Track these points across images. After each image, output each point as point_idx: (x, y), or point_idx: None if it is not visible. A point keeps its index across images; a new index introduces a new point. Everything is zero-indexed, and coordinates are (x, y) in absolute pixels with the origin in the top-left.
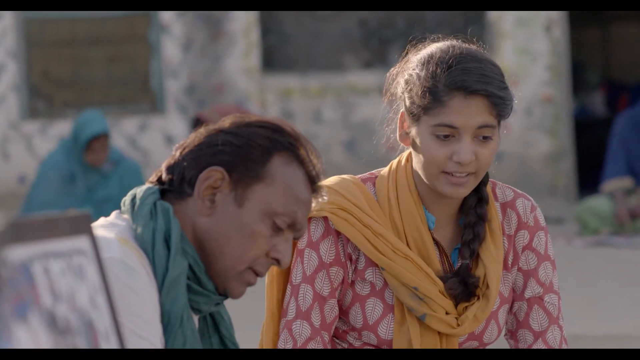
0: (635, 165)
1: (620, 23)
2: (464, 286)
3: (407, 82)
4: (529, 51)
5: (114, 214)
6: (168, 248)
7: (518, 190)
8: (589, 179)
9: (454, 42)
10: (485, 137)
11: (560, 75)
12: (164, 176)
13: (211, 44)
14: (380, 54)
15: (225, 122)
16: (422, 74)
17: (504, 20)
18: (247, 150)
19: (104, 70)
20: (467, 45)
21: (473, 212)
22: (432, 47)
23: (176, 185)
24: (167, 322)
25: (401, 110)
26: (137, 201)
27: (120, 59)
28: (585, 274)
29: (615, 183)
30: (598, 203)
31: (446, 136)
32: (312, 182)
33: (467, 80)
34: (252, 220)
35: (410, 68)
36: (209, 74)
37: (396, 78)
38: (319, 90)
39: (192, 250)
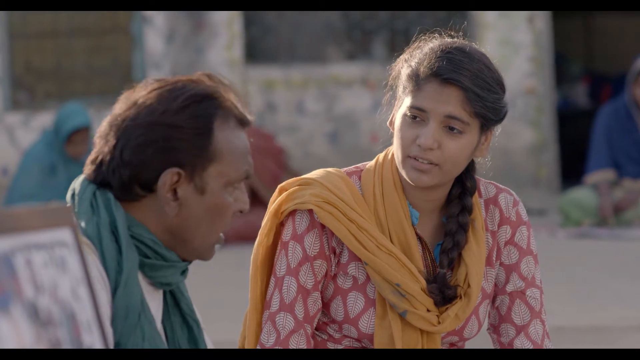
0: (619, 157)
1: (602, 14)
2: (442, 294)
3: (405, 68)
4: (512, 42)
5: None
6: (116, 240)
7: (500, 186)
8: (571, 170)
9: (462, 41)
10: (452, 129)
11: (543, 67)
12: (96, 173)
13: (194, 36)
14: (363, 46)
15: (151, 107)
16: (415, 60)
17: (486, 11)
18: (190, 141)
19: (87, 62)
20: (474, 46)
21: (455, 221)
22: (438, 40)
23: (124, 189)
24: (124, 318)
25: (397, 97)
26: (77, 197)
27: (102, 51)
28: (568, 266)
29: (598, 175)
30: (581, 195)
31: (414, 118)
32: (243, 122)
33: (445, 68)
34: (216, 199)
35: (410, 56)
36: (191, 66)
37: (398, 67)
38: (302, 81)
39: (146, 232)
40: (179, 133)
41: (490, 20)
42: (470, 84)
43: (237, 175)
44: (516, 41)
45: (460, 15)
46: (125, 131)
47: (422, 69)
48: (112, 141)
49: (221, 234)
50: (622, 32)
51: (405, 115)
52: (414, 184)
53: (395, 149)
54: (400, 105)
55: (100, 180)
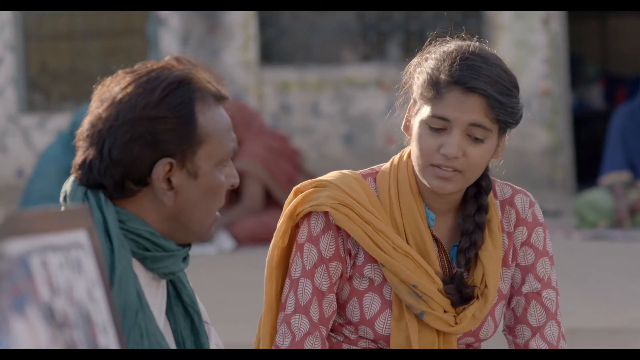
0: (634, 159)
1: (618, 16)
2: (459, 293)
3: (419, 72)
4: (527, 44)
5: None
6: (110, 239)
7: (516, 187)
8: (586, 172)
9: (475, 43)
10: (476, 139)
11: (558, 68)
12: (82, 177)
13: (209, 37)
14: (378, 47)
15: (136, 104)
16: (432, 65)
17: (501, 13)
18: (176, 130)
19: (102, 64)
20: (487, 48)
21: (471, 220)
22: (451, 44)
23: (116, 189)
24: (122, 317)
25: (411, 101)
26: (68, 198)
27: (117, 52)
28: (583, 267)
29: (613, 177)
30: (596, 196)
31: (438, 129)
32: (219, 97)
33: (467, 76)
34: (210, 180)
35: (424, 60)
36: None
37: (410, 70)
38: (317, 83)
39: (141, 225)
40: (163, 124)
41: (505, 22)
42: (492, 90)
43: (225, 152)
44: (531, 43)
45: (476, 17)
46: (109, 131)
47: (442, 77)
48: (97, 142)
49: (217, 213)
50: (637, 33)
51: (425, 123)
52: (437, 191)
53: (414, 157)
54: (418, 112)
55: (93, 182)
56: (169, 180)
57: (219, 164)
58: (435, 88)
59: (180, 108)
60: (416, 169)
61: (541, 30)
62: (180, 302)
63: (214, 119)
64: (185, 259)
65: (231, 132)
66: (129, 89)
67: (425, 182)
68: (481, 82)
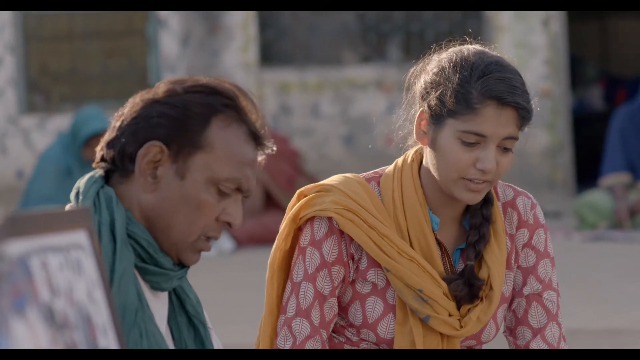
0: (634, 160)
1: (618, 17)
2: (469, 288)
3: (434, 82)
4: (527, 45)
5: (67, 207)
6: (115, 240)
7: (518, 188)
8: (587, 173)
9: (481, 47)
10: (506, 149)
11: (558, 69)
12: (105, 153)
13: (209, 38)
14: (378, 48)
15: (160, 90)
16: (455, 77)
17: (501, 14)
18: (183, 121)
19: (102, 65)
20: (499, 54)
21: (479, 214)
22: (464, 51)
23: (118, 163)
24: (122, 317)
25: (421, 109)
26: (80, 195)
27: (118, 54)
28: (583, 269)
29: (613, 178)
30: (596, 197)
31: (472, 143)
32: (256, 138)
33: (502, 91)
34: (196, 190)
35: (437, 68)
36: (206, 69)
37: (419, 75)
38: (317, 84)
39: (143, 232)
40: (174, 111)
41: (505, 23)
42: (523, 101)
43: (223, 175)
44: (532, 44)
45: (476, 17)
46: (131, 107)
47: (473, 91)
48: (119, 118)
49: (208, 240)
50: (637, 34)
51: (458, 139)
52: (468, 203)
53: (442, 169)
54: (442, 124)
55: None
56: (155, 169)
57: (212, 183)
58: (465, 102)
59: (199, 107)
60: (443, 180)
61: (541, 31)
62: (184, 312)
63: (229, 140)
64: (180, 278)
65: (246, 168)
66: (167, 84)
67: (455, 195)
68: (515, 95)
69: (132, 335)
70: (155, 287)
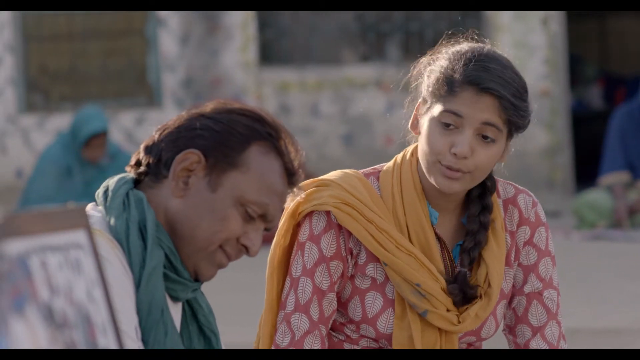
0: (633, 159)
1: (617, 16)
2: (463, 294)
3: (430, 71)
4: (526, 45)
5: (89, 206)
6: (142, 238)
7: (519, 186)
8: (586, 172)
9: (488, 46)
10: (486, 137)
11: (558, 69)
12: (141, 157)
13: (208, 38)
14: (377, 48)
15: (208, 107)
16: (445, 64)
17: (501, 13)
18: (225, 137)
19: (101, 64)
20: (499, 52)
21: (476, 220)
22: (464, 45)
23: (152, 167)
24: (147, 313)
25: (419, 100)
26: (110, 193)
27: (117, 53)
28: (583, 268)
29: (612, 177)
30: (595, 197)
31: (448, 125)
32: (290, 174)
33: (482, 77)
34: (224, 206)
35: (435, 59)
36: (206, 68)
37: (420, 69)
38: (316, 84)
39: (167, 240)
40: (218, 126)
41: (504, 23)
42: (505, 92)
43: (252, 197)
44: (531, 43)
45: (475, 17)
46: (175, 120)
47: (456, 76)
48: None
49: (224, 254)
50: (637, 33)
51: (437, 120)
52: (444, 190)
53: (422, 154)
54: (428, 110)
55: (137, 161)
56: (188, 175)
57: (240, 203)
58: (448, 85)
59: (242, 129)
60: (423, 166)
61: (540, 31)
62: (195, 321)
63: (263, 165)
64: (194, 290)
65: (275, 196)
66: (216, 103)
67: (432, 181)
68: (495, 83)
69: (157, 333)
70: (171, 295)
